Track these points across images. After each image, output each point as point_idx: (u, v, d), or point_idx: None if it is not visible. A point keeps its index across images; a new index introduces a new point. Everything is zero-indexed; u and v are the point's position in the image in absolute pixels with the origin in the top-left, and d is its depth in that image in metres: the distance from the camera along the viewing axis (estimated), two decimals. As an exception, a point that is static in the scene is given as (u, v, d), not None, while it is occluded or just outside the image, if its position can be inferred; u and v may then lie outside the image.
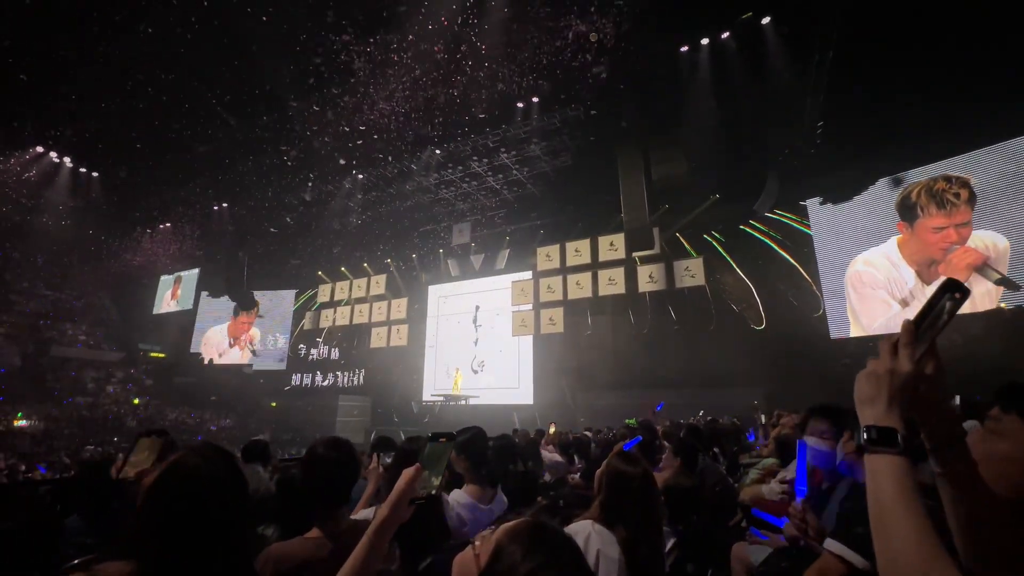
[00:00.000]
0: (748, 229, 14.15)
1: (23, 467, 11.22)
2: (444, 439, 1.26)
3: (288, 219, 19.12)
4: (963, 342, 10.26)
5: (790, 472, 3.10)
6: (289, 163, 15.79)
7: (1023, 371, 8.73)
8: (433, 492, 1.18)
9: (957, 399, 4.87)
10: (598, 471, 1.75)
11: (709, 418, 8.71)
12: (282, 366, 22.64)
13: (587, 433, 7.46)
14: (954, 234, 10.95)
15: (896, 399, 0.76)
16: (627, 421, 8.17)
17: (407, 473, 1.16)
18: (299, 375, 22.18)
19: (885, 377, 0.78)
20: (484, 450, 2.20)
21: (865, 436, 0.75)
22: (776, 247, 13.82)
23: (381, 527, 1.12)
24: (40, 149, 16.97)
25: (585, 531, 1.38)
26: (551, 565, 0.72)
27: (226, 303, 22.90)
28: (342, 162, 15.46)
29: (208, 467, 1.05)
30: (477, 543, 0.85)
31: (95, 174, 18.58)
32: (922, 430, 0.83)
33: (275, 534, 2.09)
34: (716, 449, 4.61)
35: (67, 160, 17.74)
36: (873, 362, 0.81)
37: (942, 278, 0.79)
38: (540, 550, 0.74)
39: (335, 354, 21.64)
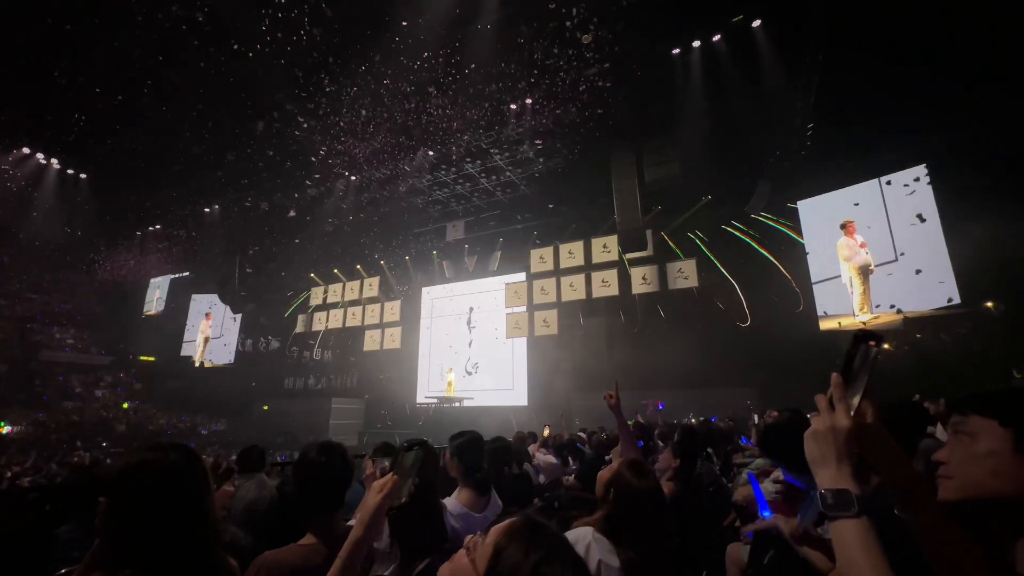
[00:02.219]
0: (732, 230, 14.32)
1: (8, 474, 11.02)
2: (417, 447, 1.27)
3: (280, 221, 18.99)
4: (952, 341, 10.41)
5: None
6: (281, 165, 15.70)
7: (1011, 370, 8.86)
8: (404, 500, 1.19)
9: (942, 401, 4.94)
10: (603, 476, 1.67)
11: (702, 418, 8.76)
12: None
13: (581, 434, 7.47)
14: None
15: (844, 456, 0.78)
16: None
17: (380, 486, 1.15)
18: (292, 378, 22.03)
19: (828, 435, 0.80)
20: (479, 455, 2.18)
21: (821, 503, 0.76)
22: (759, 247, 14.01)
23: (356, 546, 1.11)
24: (27, 150, 16.73)
25: (586, 539, 1.34)
26: (553, 559, 0.71)
27: (208, 307, 22.88)
28: (338, 165, 15.37)
29: (164, 460, 1.06)
30: (470, 548, 0.84)
31: (83, 175, 18.34)
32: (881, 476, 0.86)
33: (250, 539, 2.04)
34: (710, 449, 4.63)
35: (54, 161, 17.48)
36: (815, 419, 0.83)
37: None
38: (540, 545, 0.73)
39: (328, 356, 21.52)
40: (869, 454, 0.84)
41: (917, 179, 11.78)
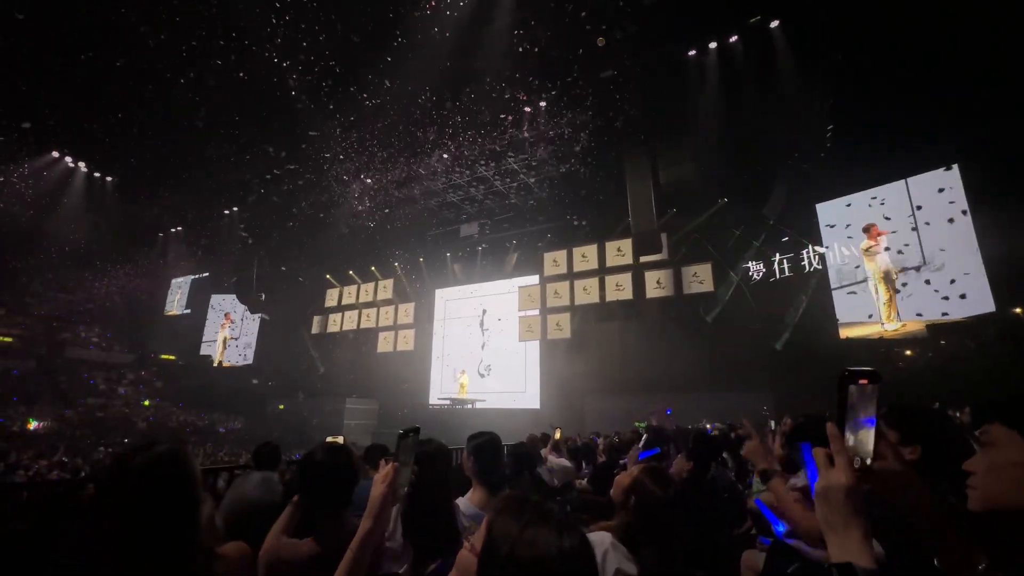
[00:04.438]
0: (747, 234, 14.13)
1: (36, 466, 11.34)
2: (412, 434, 1.27)
3: (297, 224, 19.28)
4: (976, 347, 10.12)
5: (800, 479, 3.06)
6: (299, 169, 15.95)
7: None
8: (407, 489, 1.20)
9: (966, 410, 4.81)
10: (623, 481, 1.64)
11: (718, 424, 8.64)
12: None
13: (594, 437, 7.42)
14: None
15: (851, 517, 0.71)
16: (636, 424, 8.14)
17: (383, 476, 1.14)
18: (307, 378, 22.29)
19: (828, 496, 0.73)
20: (496, 455, 2.18)
21: None
22: (774, 252, 13.77)
23: (365, 539, 1.12)
24: (56, 154, 17.28)
25: (603, 545, 1.34)
26: (539, 522, 0.77)
27: (230, 306, 23.34)
28: (354, 169, 15.57)
29: (149, 458, 1.05)
30: (471, 540, 0.90)
31: (109, 178, 18.89)
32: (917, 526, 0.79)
33: None
34: (725, 455, 4.56)
35: (82, 165, 18.04)
36: (821, 475, 0.76)
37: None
38: (527, 512, 0.79)
39: (343, 357, 21.73)
40: (894, 497, 0.78)
41: (946, 181, 11.29)
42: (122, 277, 23.98)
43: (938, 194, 11.40)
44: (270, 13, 10.94)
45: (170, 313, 24.97)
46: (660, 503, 1.54)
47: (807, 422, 2.32)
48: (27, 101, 13.82)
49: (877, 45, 9.94)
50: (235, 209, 19.63)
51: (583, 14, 10.25)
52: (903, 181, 11.91)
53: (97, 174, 18.61)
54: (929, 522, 0.80)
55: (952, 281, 10.87)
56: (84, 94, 13.32)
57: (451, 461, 2.29)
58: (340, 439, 2.33)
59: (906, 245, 11.73)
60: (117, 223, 20.60)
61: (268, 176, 16.66)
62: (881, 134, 11.29)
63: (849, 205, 12.81)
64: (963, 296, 10.63)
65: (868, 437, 0.75)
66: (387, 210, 17.97)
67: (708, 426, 8.85)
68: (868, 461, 0.75)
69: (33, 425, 18.20)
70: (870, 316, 11.99)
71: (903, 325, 11.42)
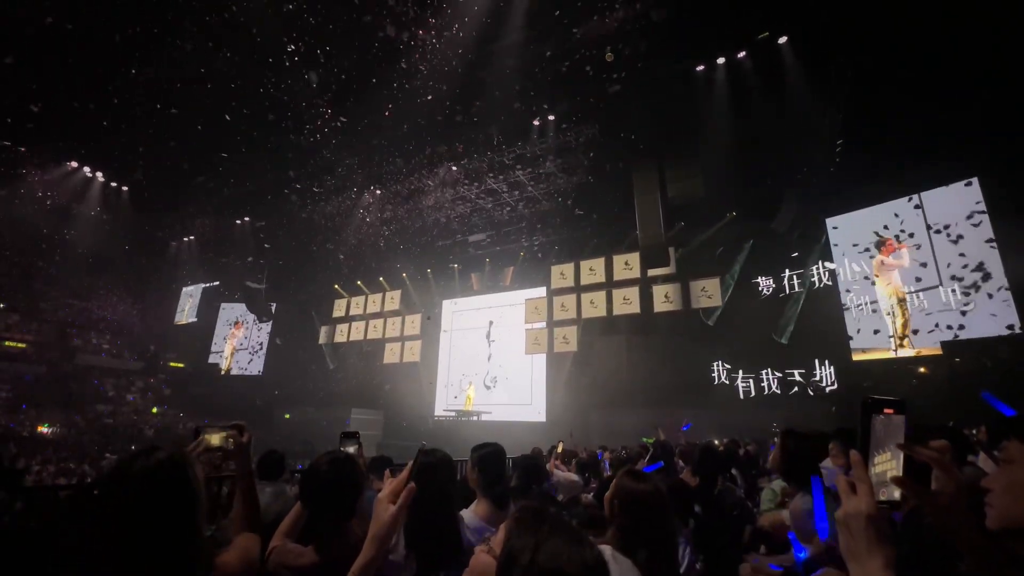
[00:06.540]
0: (756, 248, 14.04)
1: (44, 472, 11.42)
2: (420, 452, 1.29)
3: (307, 234, 19.48)
4: (992, 365, 9.91)
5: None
6: (309, 180, 16.17)
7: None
8: None
9: (983, 428, 4.68)
10: (607, 495, 1.66)
11: (727, 440, 8.50)
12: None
13: (598, 452, 7.33)
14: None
15: (872, 546, 0.70)
16: (643, 439, 8.03)
17: (391, 496, 1.11)
18: (313, 388, 22.30)
19: (850, 523, 0.72)
20: (500, 467, 2.16)
21: None
22: (785, 267, 13.66)
23: (368, 565, 1.09)
24: (74, 164, 17.68)
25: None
26: (555, 534, 0.81)
27: (236, 316, 23.57)
28: (363, 181, 15.77)
29: (150, 463, 1.04)
30: (490, 544, 0.94)
31: (124, 188, 19.26)
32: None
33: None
34: (734, 471, 4.49)
35: (99, 175, 18.43)
36: (843, 503, 0.75)
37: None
38: (543, 524, 0.84)
39: (349, 368, 21.75)
40: (947, 531, 0.77)
41: (965, 196, 10.98)
42: (134, 285, 24.32)
43: (956, 209, 11.07)
44: (284, 29, 11.22)
45: (180, 322, 25.21)
46: (644, 497, 1.55)
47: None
48: (49, 113, 14.20)
49: (889, 58, 9.89)
50: (246, 219, 19.91)
51: (591, 28, 10.39)
52: (918, 195, 11.65)
53: (113, 184, 18.99)
54: (977, 553, 0.78)
55: (968, 295, 10.61)
56: (103, 106, 13.66)
57: (455, 472, 2.27)
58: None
59: (923, 264, 11.40)
60: (131, 232, 20.95)
61: (280, 186, 16.89)
62: (895, 148, 11.09)
63: (861, 220, 12.60)
64: (983, 314, 10.33)
65: (893, 466, 0.75)
66: (396, 221, 18.12)
67: (715, 442, 8.72)
68: (896, 495, 0.75)
69: (43, 430, 18.34)
70: (881, 336, 11.65)
71: (917, 352, 11.02)
